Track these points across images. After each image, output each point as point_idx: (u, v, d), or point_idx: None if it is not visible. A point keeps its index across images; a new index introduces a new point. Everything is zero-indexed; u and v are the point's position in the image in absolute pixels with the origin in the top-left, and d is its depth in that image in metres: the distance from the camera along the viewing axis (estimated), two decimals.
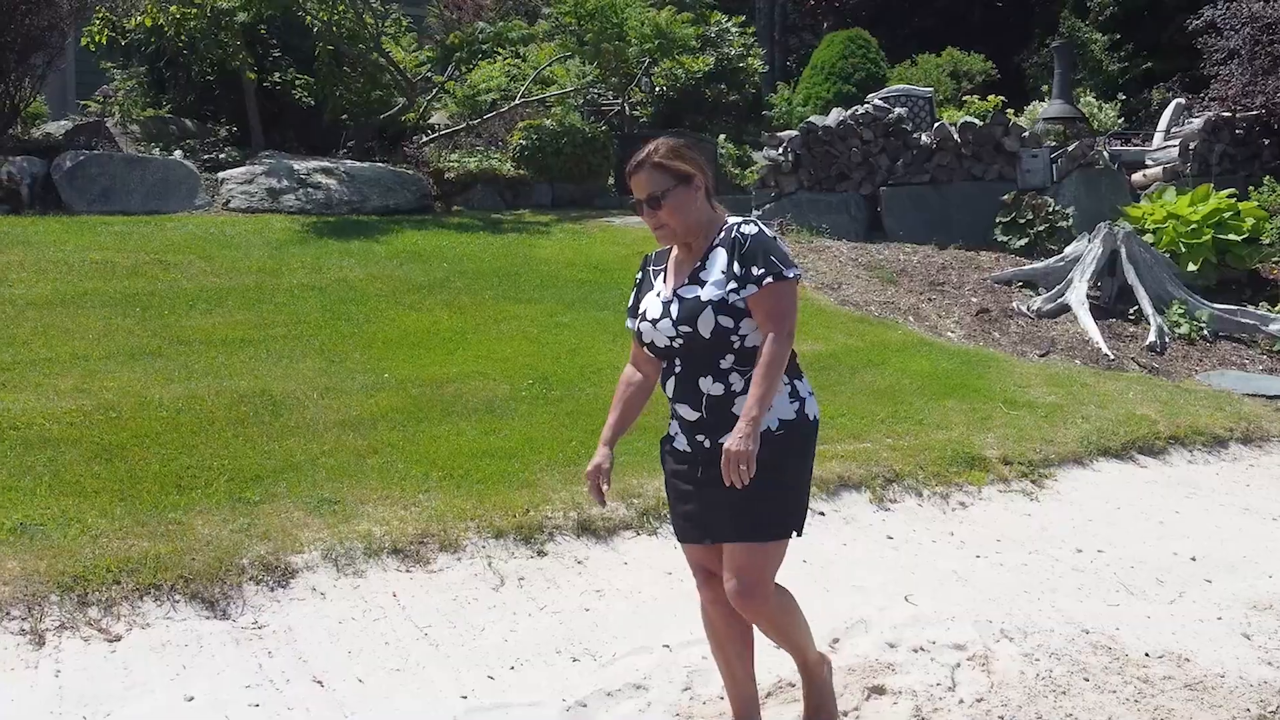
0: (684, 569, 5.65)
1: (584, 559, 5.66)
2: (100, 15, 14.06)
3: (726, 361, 3.60)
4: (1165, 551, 6.45)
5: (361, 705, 4.20)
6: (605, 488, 3.79)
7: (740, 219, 3.70)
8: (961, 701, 4.54)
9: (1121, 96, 24.54)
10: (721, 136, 20.18)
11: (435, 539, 5.47)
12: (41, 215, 11.36)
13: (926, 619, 5.34)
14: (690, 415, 3.65)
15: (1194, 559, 6.34)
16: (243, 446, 6.22)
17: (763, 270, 3.52)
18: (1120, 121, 21.88)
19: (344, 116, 15.30)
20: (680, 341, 3.61)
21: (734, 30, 23.36)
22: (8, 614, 4.42)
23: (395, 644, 4.68)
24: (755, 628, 3.93)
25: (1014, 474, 7.44)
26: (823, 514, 6.58)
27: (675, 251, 3.76)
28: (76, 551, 4.84)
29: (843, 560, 6.06)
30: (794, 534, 3.72)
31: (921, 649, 5.02)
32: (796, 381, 3.72)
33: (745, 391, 3.53)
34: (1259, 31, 15.61)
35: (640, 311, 3.76)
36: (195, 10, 13.36)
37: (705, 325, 3.55)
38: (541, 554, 5.62)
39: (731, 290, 3.54)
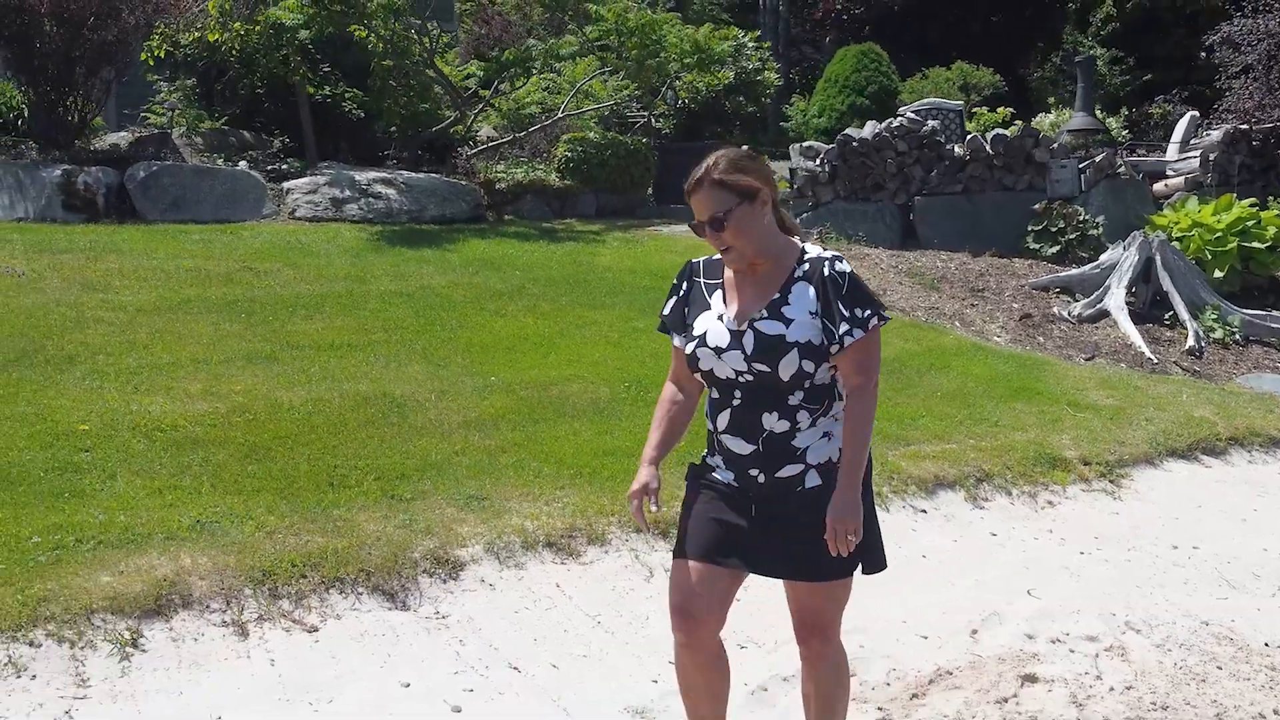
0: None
1: None
2: (160, 31, 14.13)
3: (795, 398, 3.26)
4: (1254, 548, 6.58)
5: (563, 690, 4.31)
6: (654, 508, 3.45)
7: (825, 251, 3.32)
8: (1112, 689, 4.66)
9: (1123, 110, 24.84)
10: (745, 148, 20.22)
11: (582, 533, 5.57)
12: (118, 224, 11.42)
13: (1052, 612, 5.46)
14: (743, 449, 3.28)
15: None
16: (379, 446, 6.31)
17: (860, 317, 3.19)
18: (1125, 133, 22.12)
19: (392, 129, 15.38)
20: (750, 377, 3.25)
21: (750, 45, 23.53)
22: (208, 607, 4.51)
23: (574, 632, 4.79)
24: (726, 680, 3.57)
25: (1093, 474, 7.56)
26: (924, 511, 6.70)
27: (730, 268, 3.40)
28: (256, 547, 4.93)
29: (957, 556, 6.17)
30: (866, 571, 3.42)
31: (1058, 640, 5.14)
32: None
33: (809, 428, 3.26)
34: (1275, 48, 15.79)
35: (698, 334, 3.33)
36: (258, 27, 13.44)
37: (787, 368, 3.20)
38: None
39: (824, 334, 3.20)
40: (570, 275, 10.71)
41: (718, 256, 3.40)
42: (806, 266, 3.28)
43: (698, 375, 3.37)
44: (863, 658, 4.78)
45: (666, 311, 3.49)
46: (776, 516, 3.29)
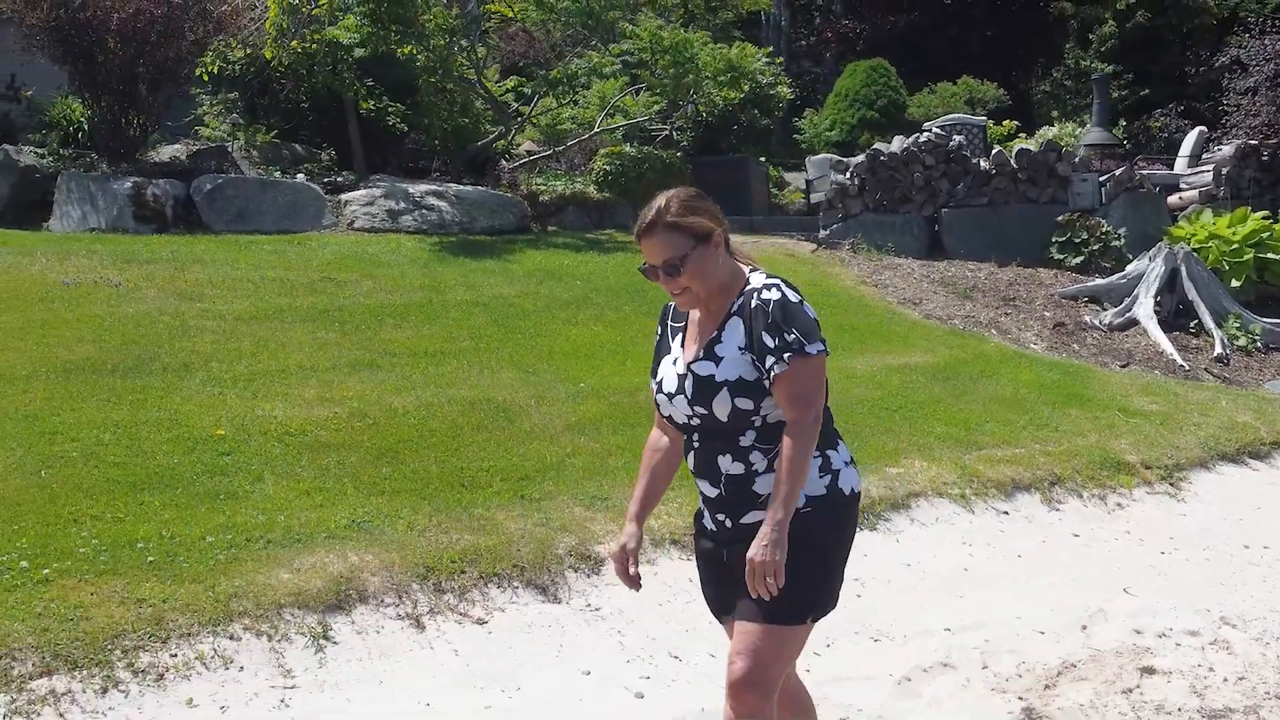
0: (938, 556, 5.99)
1: None
2: (213, 48, 14.25)
3: (747, 439, 3.07)
4: None
5: (714, 684, 4.46)
6: (633, 570, 3.25)
7: (763, 279, 3.09)
8: (1225, 680, 4.84)
9: (1122, 123, 25.10)
10: (762, 159, 20.50)
11: None
12: (187, 234, 11.53)
13: (1151, 609, 5.64)
14: (710, 492, 3.14)
15: None
16: (496, 449, 6.46)
17: (783, 346, 2.97)
18: (1126, 145, 22.36)
19: (434, 142, 15.53)
20: (696, 420, 3.10)
21: (763, 60, 23.73)
22: (383, 601, 4.66)
23: (716, 624, 4.94)
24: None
25: (1155, 477, 7.76)
26: (1006, 513, 6.88)
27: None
28: (413, 544, 5.08)
29: (1047, 556, 6.35)
30: (810, 620, 3.13)
31: (1164, 635, 5.32)
32: (830, 451, 3.14)
33: (766, 471, 3.05)
34: None
35: (658, 380, 3.22)
36: (315, 45, 13.58)
37: (721, 408, 3.04)
38: None
39: (751, 369, 3.02)
40: (627, 285, 10.85)
41: None
42: (741, 300, 3.08)
43: (666, 420, 3.25)
44: (990, 651, 4.95)
45: (653, 361, 3.33)
46: (740, 559, 3.03)
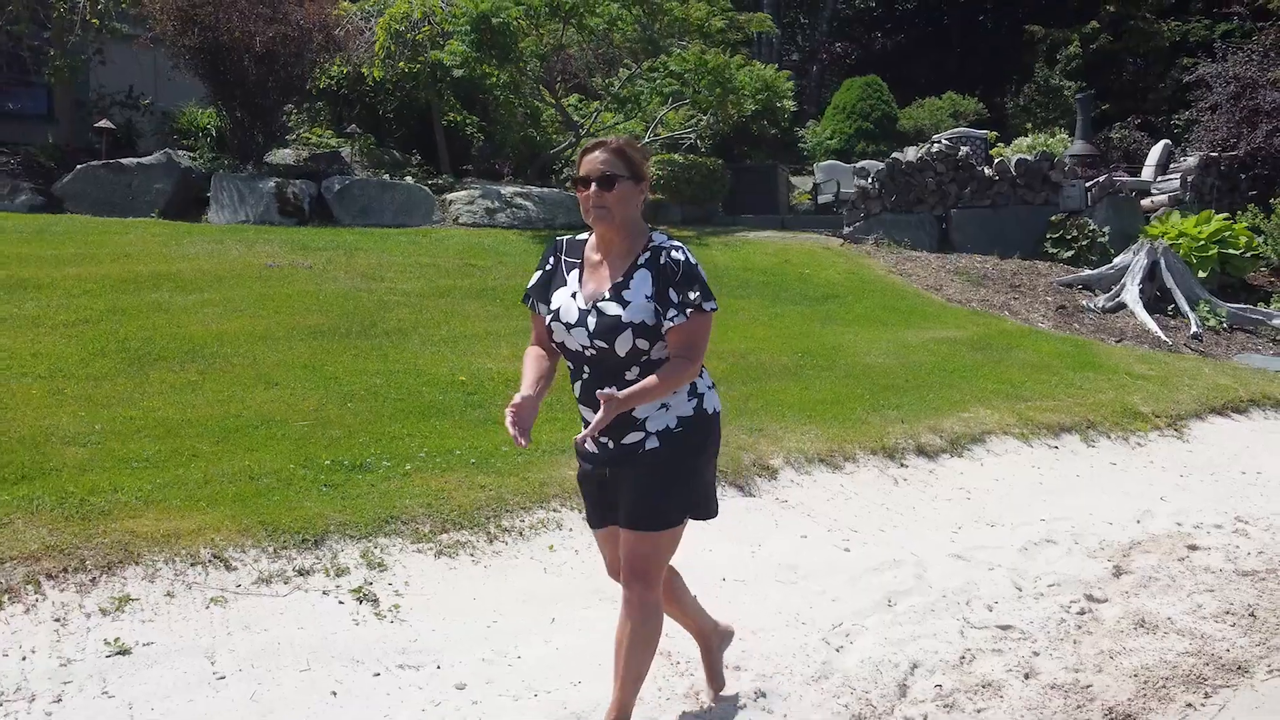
0: (1016, 474, 7.30)
1: (933, 469, 7.27)
2: (321, 66, 15.45)
3: (633, 373, 3.30)
4: None
5: (904, 544, 5.80)
6: (525, 426, 3.30)
7: (667, 241, 3.35)
8: (1249, 554, 6.18)
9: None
10: (784, 166, 21.76)
11: (840, 453, 7.05)
12: (322, 226, 12.74)
13: (1184, 510, 6.98)
14: (594, 418, 3.21)
15: None
16: None
17: (689, 301, 3.25)
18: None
19: (508, 149, 16.80)
20: (593, 352, 3.30)
21: (788, 81, 25.08)
22: None
23: (873, 513, 6.28)
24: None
25: (1163, 424, 9.09)
26: (1055, 448, 8.19)
27: (589, 248, 3.43)
28: None
29: (1097, 477, 7.66)
30: (689, 520, 3.45)
31: (1198, 526, 6.67)
32: (696, 379, 3.40)
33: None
34: (1240, 89, 17.50)
35: (554, 308, 3.37)
36: (419, 66, 14.82)
37: (623, 345, 3.25)
38: (903, 465, 7.22)
39: (655, 315, 3.25)
40: None
41: (581, 238, 3.48)
42: (649, 254, 3.30)
43: (553, 344, 3.43)
44: (1077, 533, 6.29)
45: (531, 284, 3.49)
46: (624, 476, 3.36)
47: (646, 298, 3.25)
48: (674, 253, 3.28)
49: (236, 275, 9.54)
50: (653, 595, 3.40)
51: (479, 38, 14.06)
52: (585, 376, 3.37)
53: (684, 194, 16.72)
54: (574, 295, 3.35)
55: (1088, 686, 4.33)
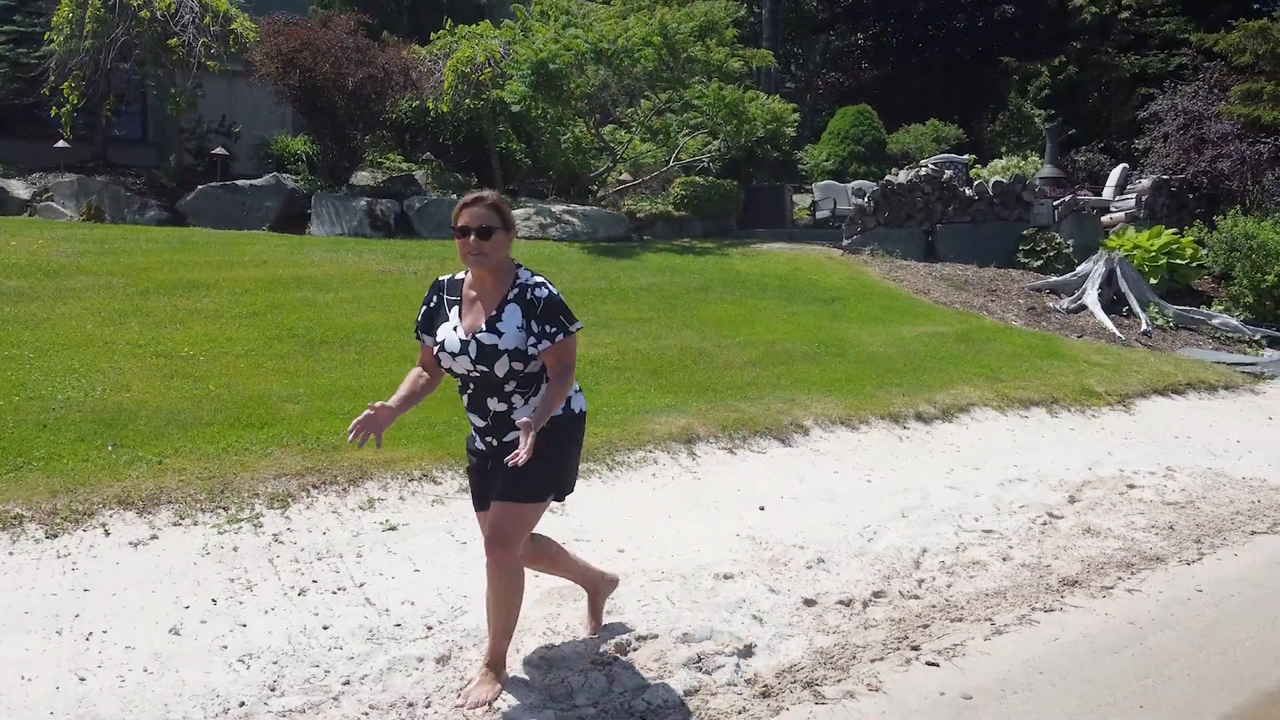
0: (994, 435, 8.69)
1: (929, 430, 8.72)
2: (394, 100, 16.91)
3: (510, 387, 3.66)
4: (1221, 438, 9.58)
5: (904, 480, 7.23)
6: (374, 431, 3.59)
7: (532, 278, 3.68)
8: (1174, 491, 7.62)
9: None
10: (789, 186, 23.14)
11: (856, 418, 8.50)
12: (406, 239, 14.16)
13: (1126, 462, 8.41)
14: (479, 423, 3.73)
15: (1239, 441, 9.49)
16: (711, 374, 9.16)
17: (555, 328, 3.61)
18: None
19: (552, 173, 18.27)
20: (476, 375, 3.64)
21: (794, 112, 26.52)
22: (708, 440, 7.39)
23: (889, 457, 7.71)
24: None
25: (1114, 401, 10.54)
26: (1025, 418, 9.63)
27: (466, 286, 3.73)
28: (711, 415, 7.82)
29: (1058, 439, 9.11)
30: (551, 499, 3.83)
31: (1136, 472, 8.10)
32: None
33: (523, 406, 3.67)
34: (1188, 121, 18.98)
35: (439, 340, 3.70)
36: (483, 102, 16.29)
37: (501, 368, 3.59)
38: (906, 428, 8.65)
39: (529, 343, 3.59)
40: (727, 278, 13.58)
41: (458, 277, 3.79)
42: (516, 290, 3.65)
43: (442, 368, 3.76)
44: (1040, 474, 7.73)
45: (419, 319, 3.83)
46: (500, 466, 3.69)
47: (518, 328, 3.60)
48: (538, 290, 3.65)
49: (358, 278, 10.97)
50: (511, 558, 3.70)
51: (536, 79, 15.52)
52: (470, 391, 3.75)
53: (705, 211, 18.19)
54: (455, 329, 3.68)
55: (1048, 566, 5.79)
